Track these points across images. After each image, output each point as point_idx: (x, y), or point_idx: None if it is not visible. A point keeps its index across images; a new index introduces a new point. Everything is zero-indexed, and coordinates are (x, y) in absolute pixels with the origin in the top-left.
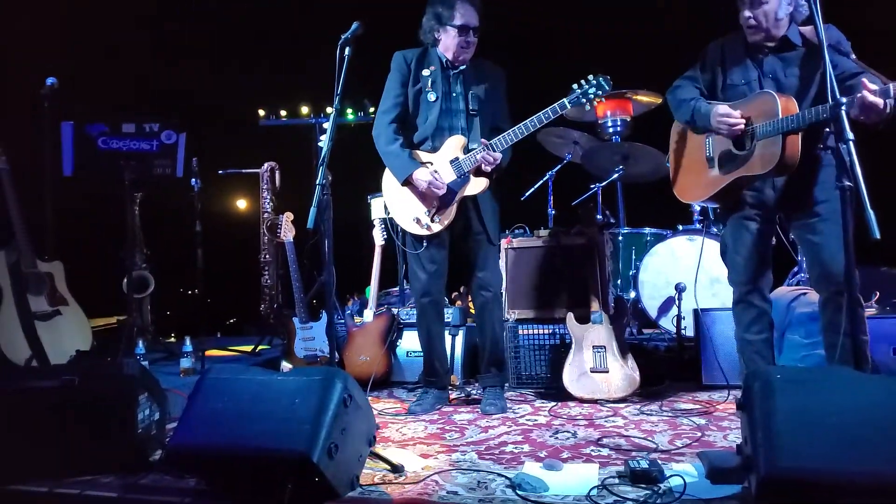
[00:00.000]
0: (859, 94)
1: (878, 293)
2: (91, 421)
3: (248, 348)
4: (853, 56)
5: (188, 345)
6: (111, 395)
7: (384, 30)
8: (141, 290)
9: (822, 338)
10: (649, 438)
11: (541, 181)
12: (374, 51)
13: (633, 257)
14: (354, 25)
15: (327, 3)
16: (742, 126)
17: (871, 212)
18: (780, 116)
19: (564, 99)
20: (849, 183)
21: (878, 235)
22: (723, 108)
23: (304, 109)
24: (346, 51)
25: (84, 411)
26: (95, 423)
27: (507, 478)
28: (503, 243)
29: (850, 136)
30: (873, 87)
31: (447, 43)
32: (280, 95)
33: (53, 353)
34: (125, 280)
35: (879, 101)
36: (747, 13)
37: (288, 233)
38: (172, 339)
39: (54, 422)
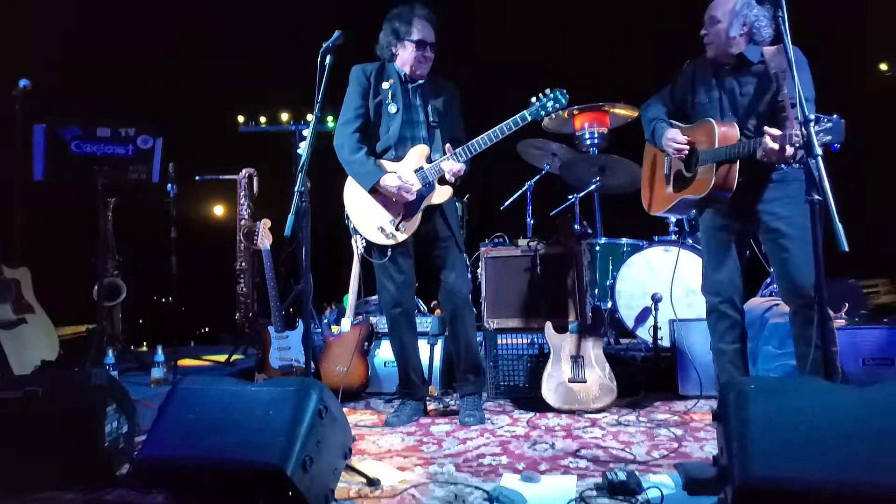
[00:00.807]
0: (763, 139)
1: (846, 304)
2: (55, 434)
3: (223, 358)
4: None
5: (160, 354)
6: (77, 407)
7: (367, 38)
8: (112, 298)
9: (794, 349)
10: (627, 449)
11: (520, 191)
12: (357, 58)
13: (611, 267)
14: (336, 34)
15: (308, 10)
16: (686, 150)
17: (839, 225)
18: (717, 145)
19: (525, 111)
20: (818, 197)
21: (846, 248)
22: (672, 132)
23: (284, 116)
24: (327, 59)
25: (48, 424)
26: (60, 436)
27: (485, 491)
28: (483, 252)
29: (819, 151)
30: (775, 132)
31: (405, 57)
32: (260, 101)
33: (18, 362)
34: (96, 287)
35: (776, 146)
36: (703, 31)
37: (265, 240)
38: (144, 348)
39: (16, 435)
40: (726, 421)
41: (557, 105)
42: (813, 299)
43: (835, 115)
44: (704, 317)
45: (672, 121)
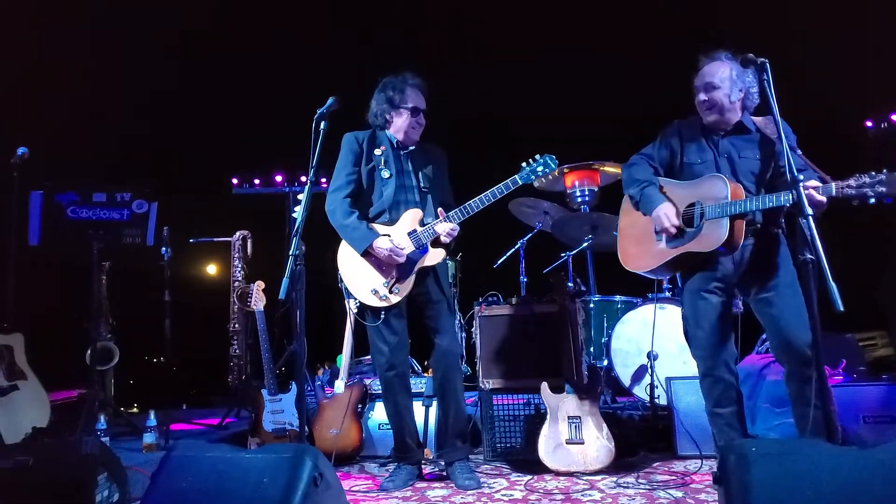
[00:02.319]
0: (806, 192)
1: (844, 360)
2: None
3: (215, 421)
4: (799, 151)
5: (152, 419)
6: (68, 477)
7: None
8: (105, 362)
9: (792, 409)
10: None
11: (512, 249)
12: (352, 121)
13: (605, 325)
14: (330, 101)
15: (302, 73)
16: (672, 232)
17: (833, 284)
18: (730, 200)
19: (516, 176)
20: (811, 256)
21: (841, 308)
22: (667, 207)
23: (278, 178)
24: (322, 125)
25: (39, 494)
26: None
27: None
28: (476, 311)
29: (809, 211)
30: (815, 183)
31: (399, 125)
32: (253, 164)
33: (9, 430)
34: (89, 351)
35: (823, 199)
36: (703, 96)
37: (259, 302)
38: (135, 410)
39: None
40: (728, 484)
41: (547, 170)
42: (808, 358)
43: (884, 170)
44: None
45: (666, 178)
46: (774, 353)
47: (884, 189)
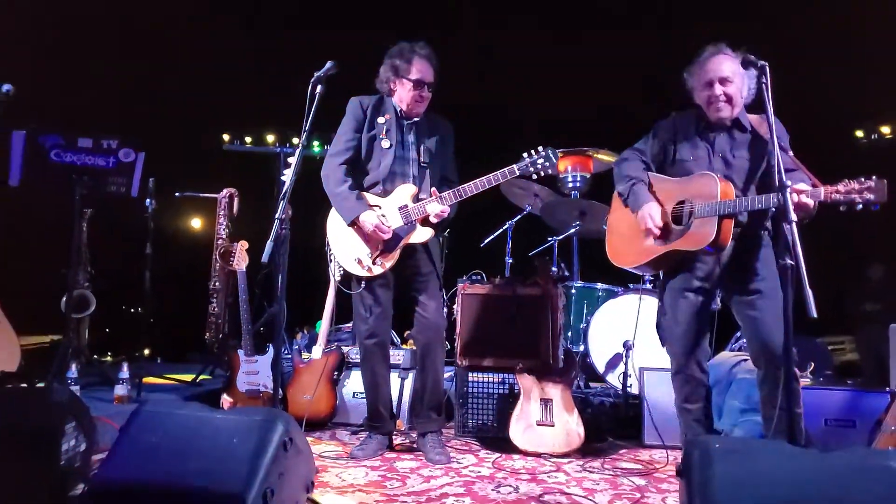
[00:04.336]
0: (794, 196)
1: (812, 364)
2: (9, 449)
3: (189, 377)
4: (790, 153)
5: (124, 371)
6: (34, 423)
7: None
8: (80, 310)
9: (761, 410)
10: (590, 497)
11: (500, 229)
12: (349, 86)
13: (585, 311)
14: (328, 64)
15: (303, 35)
16: (657, 234)
17: (809, 291)
18: (719, 199)
19: (514, 165)
20: (791, 261)
21: (815, 315)
22: (653, 207)
23: (270, 138)
24: (318, 88)
25: (3, 439)
26: (13, 452)
27: None
28: (459, 288)
29: (794, 217)
30: (804, 187)
31: (402, 95)
32: (246, 121)
33: None
34: (64, 298)
35: (810, 202)
36: (718, 89)
37: (241, 261)
38: (109, 358)
39: None
40: (689, 478)
41: (547, 164)
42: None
43: (873, 177)
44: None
45: (657, 173)
46: (752, 356)
47: (872, 196)
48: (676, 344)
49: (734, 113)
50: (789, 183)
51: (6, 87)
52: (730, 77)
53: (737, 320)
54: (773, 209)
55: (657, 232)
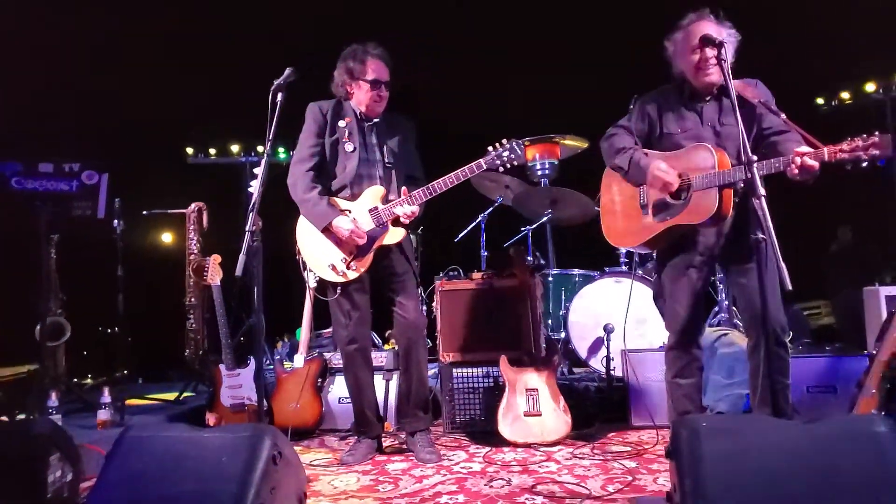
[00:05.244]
0: (797, 159)
1: (790, 332)
2: None
3: (172, 396)
4: (783, 115)
5: (106, 396)
6: (19, 458)
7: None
8: (55, 338)
9: (749, 381)
10: (582, 484)
11: (473, 223)
12: (310, 92)
13: (563, 298)
14: (287, 71)
15: (260, 41)
16: (675, 187)
17: (783, 265)
18: (717, 170)
19: (481, 160)
20: (763, 236)
21: (790, 287)
22: (660, 163)
23: (234, 148)
24: (279, 96)
25: None
26: (1, 488)
27: None
28: (437, 285)
29: (762, 191)
30: (807, 149)
31: (360, 97)
32: (209, 133)
33: None
34: (38, 327)
35: (815, 164)
36: (710, 52)
37: (215, 276)
38: (89, 380)
39: None
40: (679, 459)
41: (513, 155)
42: (777, 333)
43: (875, 132)
44: (655, 347)
45: (646, 150)
46: (744, 324)
47: (877, 151)
48: (675, 322)
49: (720, 78)
50: (755, 158)
51: None
52: (718, 39)
53: (730, 291)
54: (774, 172)
55: (675, 184)
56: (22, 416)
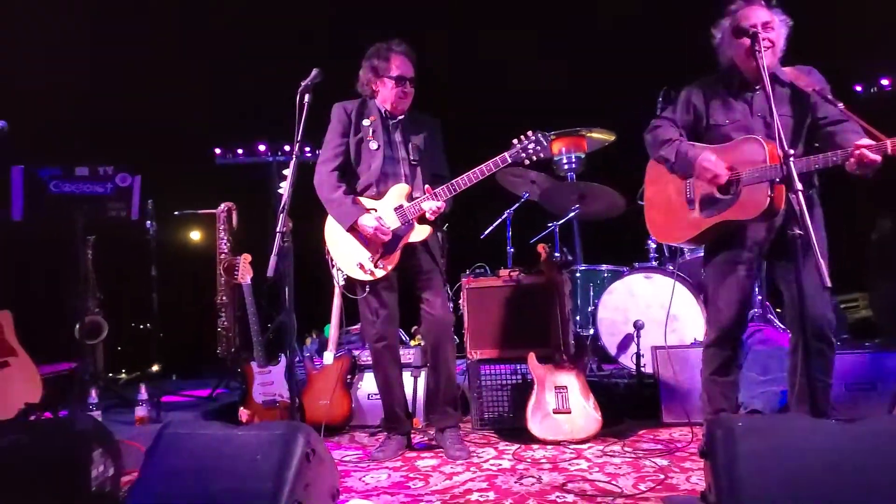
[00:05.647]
0: (857, 152)
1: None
2: (41, 481)
3: (205, 392)
4: (841, 105)
5: (143, 393)
6: (63, 454)
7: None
8: (94, 336)
9: (788, 379)
10: (613, 482)
11: (499, 220)
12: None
13: (592, 294)
14: (314, 72)
15: (286, 43)
16: (724, 179)
17: (821, 261)
18: (769, 164)
19: (505, 153)
20: (800, 231)
21: (829, 284)
22: (710, 155)
23: (262, 147)
24: (306, 98)
25: (34, 471)
26: (46, 483)
27: None
28: (464, 283)
29: (799, 186)
30: (868, 141)
31: (385, 94)
32: (236, 134)
33: (1, 406)
34: (77, 326)
35: (878, 158)
36: (763, 35)
37: (245, 275)
38: (123, 375)
39: (2, 484)
40: (714, 458)
41: (539, 147)
42: (823, 332)
43: None
44: (687, 343)
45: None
46: (788, 320)
47: None
48: (718, 319)
49: (775, 61)
50: (792, 151)
51: (1, 123)
52: (770, 22)
53: (780, 287)
54: (832, 166)
55: (725, 176)
56: (64, 413)
